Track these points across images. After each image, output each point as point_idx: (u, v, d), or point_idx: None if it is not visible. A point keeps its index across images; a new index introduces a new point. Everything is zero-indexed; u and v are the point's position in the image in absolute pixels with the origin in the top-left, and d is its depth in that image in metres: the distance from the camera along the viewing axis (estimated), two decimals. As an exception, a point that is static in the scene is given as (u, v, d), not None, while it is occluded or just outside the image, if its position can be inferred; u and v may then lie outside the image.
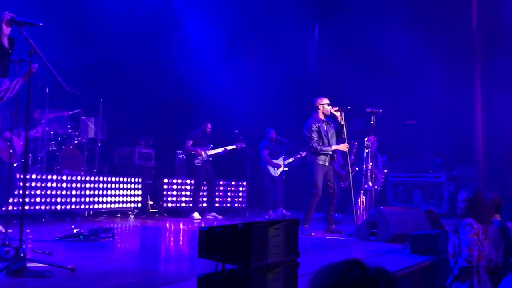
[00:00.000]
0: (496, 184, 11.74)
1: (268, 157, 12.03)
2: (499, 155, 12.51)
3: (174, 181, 12.01)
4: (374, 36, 13.96)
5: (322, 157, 8.57)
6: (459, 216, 5.21)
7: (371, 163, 9.20)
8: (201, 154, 11.25)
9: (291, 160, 12.28)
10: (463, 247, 4.93)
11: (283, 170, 11.97)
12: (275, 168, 12.03)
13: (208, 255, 3.36)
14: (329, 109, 8.67)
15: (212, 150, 11.44)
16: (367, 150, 9.36)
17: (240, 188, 13.22)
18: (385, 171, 11.95)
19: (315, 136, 8.59)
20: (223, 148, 11.55)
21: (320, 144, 8.56)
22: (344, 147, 8.70)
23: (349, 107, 8.66)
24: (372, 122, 8.63)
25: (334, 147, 8.65)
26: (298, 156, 12.36)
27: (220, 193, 12.79)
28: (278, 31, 14.51)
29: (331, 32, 14.72)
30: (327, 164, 8.59)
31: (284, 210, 11.87)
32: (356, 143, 9.92)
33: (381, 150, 11.39)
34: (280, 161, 12.04)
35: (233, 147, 11.65)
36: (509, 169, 12.25)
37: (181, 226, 9.83)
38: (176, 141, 12.50)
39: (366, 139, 9.46)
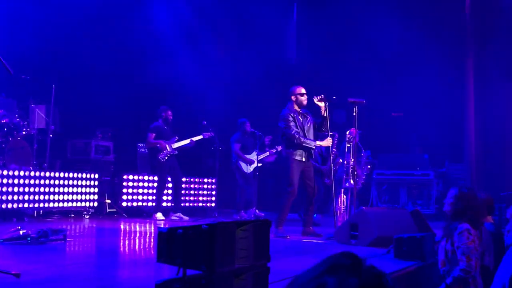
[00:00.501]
0: (489, 182, 11.86)
1: (240, 152, 12.02)
2: (493, 151, 12.62)
3: (135, 177, 11.95)
4: (359, 20, 14.03)
5: (299, 151, 8.52)
6: (447, 217, 5.23)
7: (352, 159, 9.24)
8: (166, 148, 11.19)
9: (265, 155, 12.28)
10: (461, 255, 4.95)
11: (256, 166, 11.96)
12: (248, 164, 12.02)
13: (168, 259, 3.33)
14: (303, 99, 8.66)
15: (177, 143, 11.39)
16: (348, 145, 9.39)
17: (209, 186, 13.21)
18: (369, 167, 12.01)
19: (293, 124, 8.55)
20: (189, 140, 11.51)
21: (298, 134, 8.53)
22: (327, 142, 8.70)
23: (334, 97, 8.65)
24: (354, 114, 8.64)
25: (318, 143, 8.63)
26: (274, 151, 12.37)
27: (187, 191, 12.76)
28: (252, 12, 14.46)
29: (312, 14, 14.76)
30: (304, 159, 8.54)
31: (257, 211, 11.86)
32: (336, 134, 9.94)
33: (365, 144, 11.44)
34: (253, 156, 12.02)
35: (200, 137, 11.62)
36: (504, 167, 12.38)
37: (142, 228, 9.79)
38: (138, 133, 12.43)
39: (348, 132, 9.49)
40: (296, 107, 8.68)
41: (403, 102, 14.00)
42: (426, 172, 12.89)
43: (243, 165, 12.03)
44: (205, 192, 13.18)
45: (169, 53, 13.63)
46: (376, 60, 14.04)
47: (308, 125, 8.73)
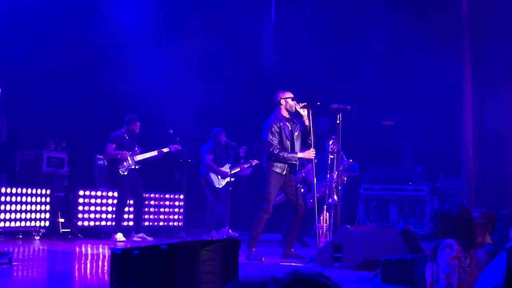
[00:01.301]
0: (489, 199, 11.92)
1: (213, 164, 11.97)
2: (493, 164, 12.68)
3: (93, 193, 11.85)
4: (344, 19, 14.09)
5: (281, 164, 8.52)
6: (436, 237, 5.23)
7: (336, 172, 9.24)
8: (127, 160, 11.12)
9: (237, 170, 12.30)
10: (441, 273, 4.94)
11: (230, 181, 11.94)
12: (220, 178, 11.99)
13: (122, 284, 3.28)
14: (293, 104, 8.67)
15: (141, 155, 11.32)
16: (331, 156, 9.41)
17: (176, 203, 13.13)
18: (344, 178, 11.97)
19: (275, 139, 8.54)
20: (156, 151, 11.45)
21: (281, 149, 8.52)
22: (309, 154, 8.69)
23: (318, 103, 8.66)
24: (338, 122, 8.66)
25: (300, 154, 8.64)
26: (247, 165, 12.37)
27: (151, 209, 12.68)
28: (225, 11, 14.49)
29: (291, 13, 14.76)
30: (285, 173, 8.53)
31: (230, 231, 11.82)
32: (331, 141, 9.97)
33: (351, 156, 11.47)
34: (226, 169, 12.00)
35: (166, 150, 11.56)
36: (505, 182, 12.44)
37: (100, 250, 9.71)
38: (96, 144, 12.32)
39: (330, 142, 9.51)
40: (284, 113, 8.69)
41: (394, 109, 14.03)
42: (419, 187, 12.93)
43: (214, 178, 11.97)
44: (171, 209, 13.09)
45: (132, 56, 13.55)
46: (363, 63, 14.10)
47: (297, 132, 8.74)
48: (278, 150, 8.47)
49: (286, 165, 8.55)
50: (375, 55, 13.90)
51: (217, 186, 11.97)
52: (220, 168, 12.02)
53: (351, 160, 11.49)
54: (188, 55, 14.44)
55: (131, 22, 13.67)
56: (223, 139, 12.05)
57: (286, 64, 14.41)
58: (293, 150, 8.60)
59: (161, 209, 12.95)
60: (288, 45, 14.89)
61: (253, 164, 12.26)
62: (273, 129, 8.56)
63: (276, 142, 8.52)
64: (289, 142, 8.61)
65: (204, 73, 14.30)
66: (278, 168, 8.53)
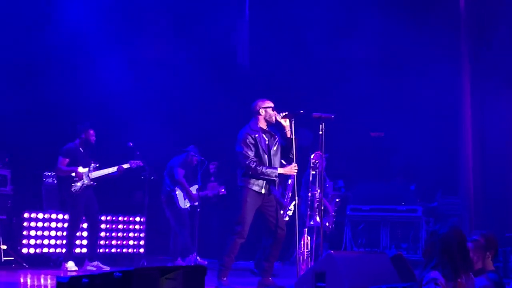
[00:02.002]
0: (492, 220, 11.97)
1: (184, 181, 11.91)
2: (495, 180, 12.74)
3: (40, 215, 11.75)
4: (329, 17, 14.09)
5: (259, 181, 8.43)
6: (423, 257, 5.20)
7: (318, 190, 9.20)
8: (82, 177, 11.02)
9: (205, 194, 12.32)
10: None
11: (198, 202, 11.89)
12: (186, 198, 11.92)
13: (69, 318, 3.21)
14: (273, 114, 8.60)
15: (98, 172, 11.23)
16: (313, 172, 9.36)
17: (136, 226, 13.10)
18: (337, 200, 12.02)
19: (250, 152, 8.45)
20: (115, 168, 11.36)
21: (258, 163, 8.44)
22: (291, 169, 8.59)
23: (301, 112, 8.57)
24: (320, 132, 8.61)
25: (280, 170, 8.54)
26: (212, 195, 12.36)
27: (107, 233, 12.63)
28: (195, 9, 14.50)
29: (267, 10, 14.77)
30: (263, 191, 8.45)
31: (199, 258, 11.77)
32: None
33: (336, 172, 11.49)
34: (193, 190, 11.97)
35: (126, 166, 11.47)
36: (509, 201, 12.50)
37: (49, 281, 9.57)
38: (43, 159, 12.24)
39: (312, 156, 9.48)
40: (262, 124, 8.61)
41: (384, 119, 14.10)
42: (413, 208, 12.95)
43: (180, 197, 11.91)
44: (131, 234, 13.05)
45: (84, 57, 13.50)
46: (350, 67, 14.12)
47: (276, 146, 8.67)
48: (255, 164, 8.38)
49: (265, 182, 8.47)
50: (363, 58, 13.93)
51: (181, 206, 11.90)
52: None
53: (327, 184, 11.51)
54: (151, 56, 14.40)
55: (84, 22, 13.60)
56: (195, 158, 12.00)
57: (263, 68, 14.42)
58: (270, 166, 8.52)
59: (119, 234, 12.90)
60: (265, 46, 14.84)
61: (221, 192, 12.31)
62: (247, 140, 8.48)
63: (252, 155, 8.45)
64: (266, 157, 8.53)
65: (169, 79, 14.24)
66: (256, 185, 8.44)
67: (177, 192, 11.93)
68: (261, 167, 8.39)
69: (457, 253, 4.97)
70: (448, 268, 4.89)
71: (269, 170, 8.43)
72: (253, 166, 8.36)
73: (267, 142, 8.61)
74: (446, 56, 13.22)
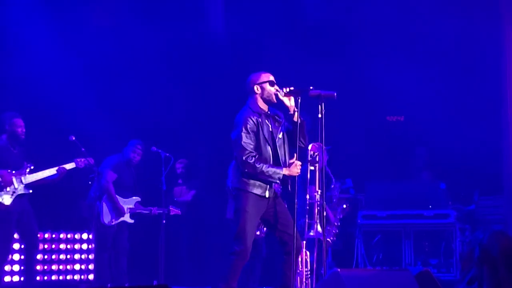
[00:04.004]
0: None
1: (112, 189, 11.87)
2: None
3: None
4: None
5: (259, 182, 8.20)
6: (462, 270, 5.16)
7: (319, 191, 9.13)
8: (12, 183, 10.95)
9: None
10: None
11: (162, 212, 11.91)
12: (111, 212, 11.89)
13: None
14: (273, 91, 8.39)
15: (33, 175, 11.19)
16: (312, 167, 9.29)
17: (84, 246, 13.09)
18: (344, 206, 11.90)
19: (250, 143, 8.23)
20: (55, 169, 11.31)
21: (258, 158, 8.28)
22: (295, 169, 8.31)
23: (311, 87, 8.37)
24: (320, 115, 8.47)
25: (285, 171, 8.27)
26: (168, 211, 12.30)
27: (46, 256, 12.60)
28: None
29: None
30: (267, 194, 8.27)
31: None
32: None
33: (341, 169, 11.39)
34: (129, 203, 11.93)
35: (71, 165, 11.39)
36: None
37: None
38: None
39: (310, 147, 9.41)
40: (262, 105, 8.40)
41: (404, 101, 14.05)
42: (443, 212, 12.84)
43: (105, 212, 11.82)
44: (77, 256, 13.04)
45: (16, 36, 13.51)
46: (358, 32, 14.08)
47: (281, 134, 8.47)
48: (253, 159, 8.16)
49: (268, 185, 8.26)
50: (374, 18, 13.86)
51: (105, 222, 11.82)
52: (120, 199, 11.93)
53: (337, 183, 11.45)
54: (100, 24, 14.37)
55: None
56: (137, 154, 11.95)
57: (241, 34, 14.34)
58: (276, 162, 8.29)
59: (62, 256, 12.86)
60: (243, 8, 14.78)
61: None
62: (248, 126, 8.19)
63: (252, 146, 8.25)
64: (270, 148, 8.31)
65: (124, 55, 14.17)
66: (257, 188, 8.22)
67: (103, 204, 11.88)
68: (261, 164, 8.13)
69: (500, 263, 4.94)
70: (488, 282, 4.86)
71: (271, 170, 8.16)
72: (251, 162, 8.10)
73: (270, 129, 8.38)
74: (481, 24, 13.23)
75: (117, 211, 11.92)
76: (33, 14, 13.62)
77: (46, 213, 12.40)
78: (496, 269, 4.96)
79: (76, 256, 13.02)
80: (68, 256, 12.91)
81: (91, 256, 13.07)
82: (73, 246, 12.99)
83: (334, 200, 11.48)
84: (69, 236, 12.95)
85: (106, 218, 11.86)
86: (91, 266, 13.07)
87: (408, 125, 14.07)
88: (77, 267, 12.98)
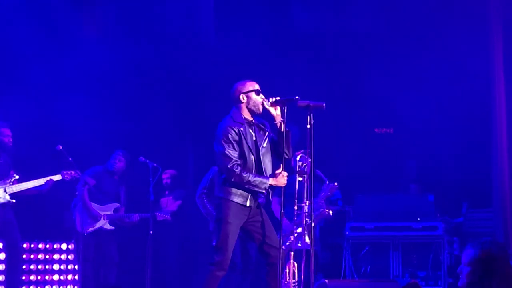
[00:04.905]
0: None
1: (87, 195, 11.88)
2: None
3: None
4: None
5: (241, 191, 8.16)
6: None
7: (307, 202, 9.11)
8: (-5, 193, 10.92)
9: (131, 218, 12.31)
10: None
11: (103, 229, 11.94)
12: (89, 220, 11.90)
13: None
14: (260, 100, 8.36)
15: (19, 185, 11.14)
16: (300, 178, 9.26)
17: (70, 256, 13.06)
18: (328, 211, 11.86)
19: (233, 152, 8.17)
20: (44, 180, 11.26)
21: (243, 167, 8.24)
22: (281, 179, 8.26)
23: (296, 97, 8.36)
24: (308, 126, 8.45)
25: (271, 181, 8.23)
26: (154, 216, 12.23)
27: (32, 266, 12.58)
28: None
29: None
30: (248, 204, 8.20)
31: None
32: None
33: (328, 180, 11.39)
34: (108, 209, 11.94)
35: (57, 177, 11.37)
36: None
37: None
38: None
39: (298, 158, 9.40)
40: (246, 115, 8.35)
41: (393, 112, 14.05)
42: (432, 225, 12.77)
43: (80, 219, 11.84)
44: (63, 266, 12.99)
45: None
46: (347, 43, 14.08)
47: (265, 143, 8.43)
48: (239, 168, 8.12)
49: (250, 193, 8.23)
50: (364, 31, 13.86)
51: (80, 229, 11.82)
52: (96, 206, 11.99)
53: (336, 184, 11.40)
54: (89, 37, 14.35)
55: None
56: (119, 165, 11.99)
57: (231, 43, 14.31)
58: (260, 171, 8.26)
59: (48, 266, 12.82)
60: (234, 18, 14.78)
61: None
62: (229, 136, 8.15)
63: (236, 155, 8.20)
64: (253, 157, 8.26)
65: (113, 63, 14.14)
66: (238, 196, 8.16)
67: (78, 215, 11.94)
68: (247, 174, 8.09)
69: (498, 274, 4.93)
70: None
71: (258, 180, 8.12)
72: (237, 171, 8.06)
73: (254, 138, 8.32)
74: (475, 31, 13.22)
75: (92, 217, 11.93)
76: (21, 22, 13.56)
77: (29, 223, 12.30)
78: (494, 280, 4.94)
79: (55, 267, 12.94)
80: (55, 267, 12.85)
81: (70, 267, 13.06)
82: (52, 256, 12.92)
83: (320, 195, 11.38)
84: (47, 246, 12.88)
85: (81, 225, 11.85)
86: (70, 277, 13.04)
87: (397, 137, 14.05)
88: (55, 277, 12.90)
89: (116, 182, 12.22)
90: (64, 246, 13.03)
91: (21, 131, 11.65)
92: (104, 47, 14.18)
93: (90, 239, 11.87)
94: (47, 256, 12.87)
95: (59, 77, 13.62)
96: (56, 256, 12.93)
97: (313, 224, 8.63)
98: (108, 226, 11.98)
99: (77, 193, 11.93)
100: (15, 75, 13.31)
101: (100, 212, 11.98)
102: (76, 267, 12.98)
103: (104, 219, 11.97)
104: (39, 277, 12.74)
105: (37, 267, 12.74)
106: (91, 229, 11.89)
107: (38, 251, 12.71)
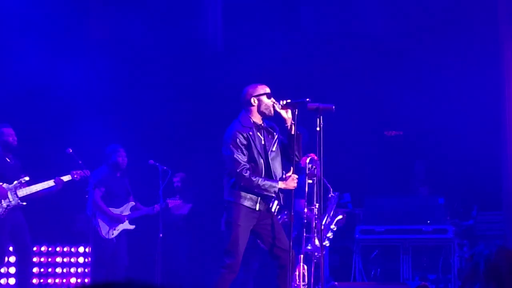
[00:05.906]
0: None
1: (102, 202, 11.81)
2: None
3: None
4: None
5: (250, 194, 8.25)
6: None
7: (317, 204, 9.10)
8: (6, 195, 10.90)
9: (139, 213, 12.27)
10: None
11: (123, 230, 11.85)
12: (110, 225, 11.82)
13: None
14: (270, 103, 8.43)
15: (28, 188, 11.13)
16: (310, 181, 9.26)
17: (80, 259, 13.03)
18: (340, 216, 11.82)
19: (242, 156, 8.25)
20: (51, 181, 11.24)
21: (252, 171, 8.27)
22: (291, 182, 8.40)
23: (307, 99, 8.39)
24: (318, 129, 8.49)
25: (281, 184, 8.34)
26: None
27: (42, 269, 12.56)
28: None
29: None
30: (258, 207, 8.30)
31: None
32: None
33: (339, 183, 11.35)
34: (125, 209, 11.89)
35: (67, 178, 11.35)
36: None
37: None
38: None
39: (308, 160, 9.39)
40: (256, 118, 8.43)
41: (402, 115, 14.02)
42: (442, 228, 12.74)
43: (102, 225, 11.75)
44: (74, 269, 13.00)
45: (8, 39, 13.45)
46: (355, 46, 14.06)
47: (275, 147, 8.49)
48: (248, 172, 8.18)
49: (259, 197, 8.30)
50: (372, 32, 13.82)
51: (105, 236, 11.77)
52: (114, 210, 11.87)
53: (337, 193, 11.39)
54: (96, 39, 14.33)
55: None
56: (120, 160, 11.93)
57: (238, 45, 14.30)
58: (269, 175, 8.33)
59: (58, 269, 12.80)
60: (242, 18, 14.76)
61: (154, 211, 12.18)
62: (238, 140, 8.25)
63: (244, 159, 8.26)
64: (262, 161, 8.34)
65: (122, 66, 14.14)
66: (248, 200, 8.26)
67: (99, 220, 11.86)
68: (257, 178, 8.18)
69: (508, 282, 4.91)
70: None
71: (267, 183, 8.22)
72: (246, 175, 8.16)
73: (263, 142, 8.42)
74: (481, 34, 13.21)
75: (114, 220, 11.88)
76: (28, 24, 13.55)
77: (42, 226, 12.32)
78: (503, 286, 4.92)
79: (72, 270, 12.94)
80: (65, 270, 12.84)
81: (87, 270, 12.97)
82: (70, 260, 12.91)
83: (329, 208, 11.39)
84: (65, 249, 12.87)
85: (104, 230, 11.81)
86: (87, 280, 12.99)
87: (407, 139, 14.02)
88: (73, 280, 12.89)
89: (121, 179, 12.14)
90: (81, 249, 13.06)
91: (31, 133, 11.65)
92: (112, 49, 14.19)
93: (109, 244, 11.83)
94: (65, 260, 12.90)
95: (68, 79, 13.59)
96: (71, 260, 12.98)
97: (322, 227, 8.69)
98: (129, 226, 11.93)
99: (87, 196, 11.90)
100: (24, 77, 13.25)
101: (120, 214, 11.95)
102: (86, 270, 13.00)
103: (125, 220, 11.94)
104: (57, 280, 12.78)
105: (54, 270, 12.78)
106: (115, 232, 11.87)
107: (55, 254, 12.74)
